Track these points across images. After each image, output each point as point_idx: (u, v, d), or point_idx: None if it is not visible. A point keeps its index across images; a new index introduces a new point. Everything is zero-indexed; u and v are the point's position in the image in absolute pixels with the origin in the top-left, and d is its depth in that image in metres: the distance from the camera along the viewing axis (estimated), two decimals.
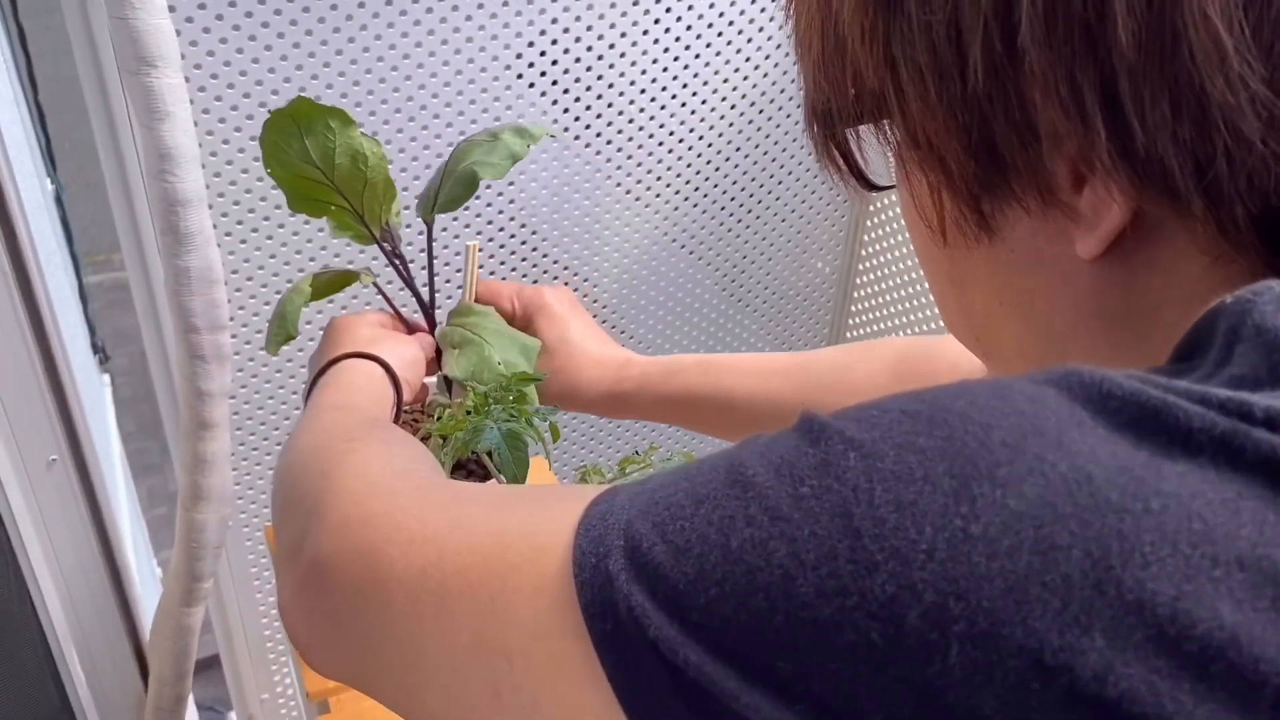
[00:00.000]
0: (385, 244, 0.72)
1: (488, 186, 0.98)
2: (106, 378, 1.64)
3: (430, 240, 0.75)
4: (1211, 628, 0.24)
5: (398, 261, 0.73)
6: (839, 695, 0.27)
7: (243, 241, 0.90)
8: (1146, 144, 0.33)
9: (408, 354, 0.73)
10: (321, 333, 0.76)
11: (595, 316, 1.13)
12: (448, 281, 1.02)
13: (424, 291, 0.76)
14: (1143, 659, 0.24)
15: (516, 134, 0.70)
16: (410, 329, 0.78)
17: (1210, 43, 0.31)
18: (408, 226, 0.87)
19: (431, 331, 0.77)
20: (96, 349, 1.61)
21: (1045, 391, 0.29)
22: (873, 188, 0.46)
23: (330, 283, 0.74)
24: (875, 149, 0.44)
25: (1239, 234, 0.33)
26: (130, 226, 0.84)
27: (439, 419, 0.66)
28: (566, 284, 1.09)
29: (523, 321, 0.84)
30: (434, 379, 0.77)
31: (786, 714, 0.27)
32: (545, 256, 1.06)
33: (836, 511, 0.28)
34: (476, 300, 0.80)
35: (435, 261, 0.80)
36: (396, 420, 0.69)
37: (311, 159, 0.66)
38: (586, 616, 0.32)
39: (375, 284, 0.75)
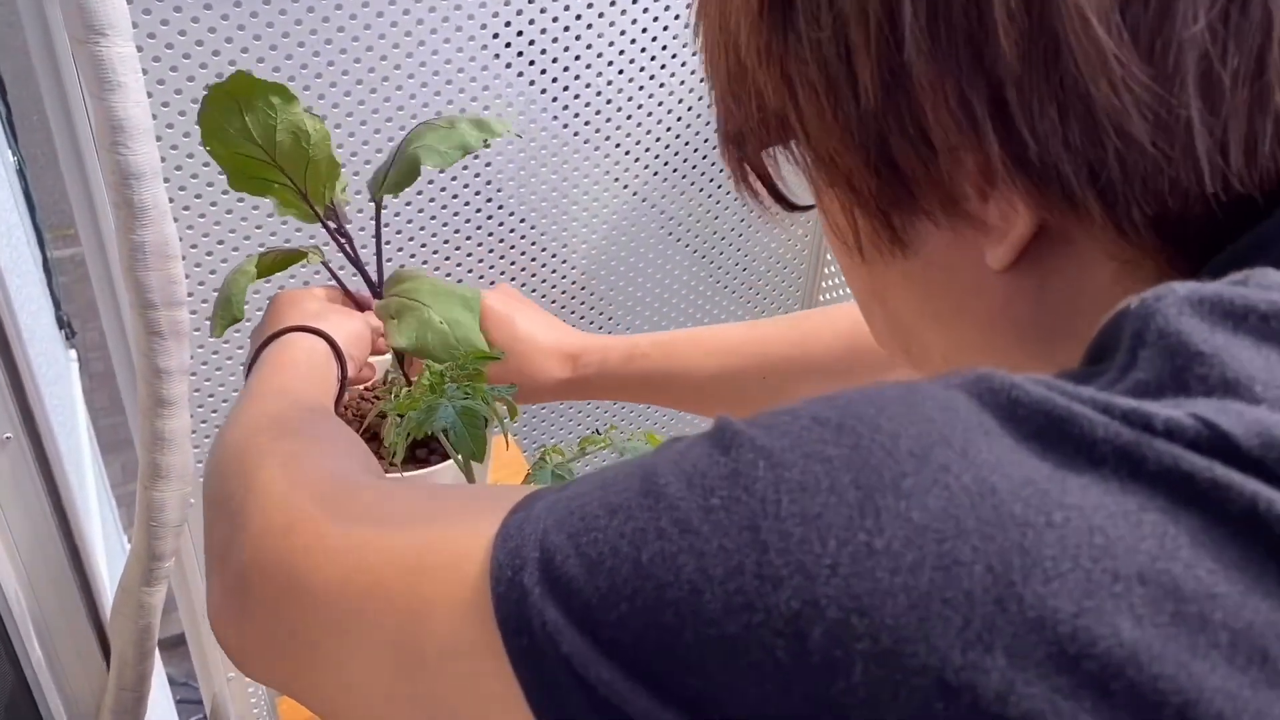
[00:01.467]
0: (329, 222, 0.70)
1: None
2: (73, 353, 1.61)
3: (379, 218, 0.74)
4: (1111, 645, 0.23)
5: (343, 240, 0.72)
6: (748, 713, 0.26)
7: (201, 216, 0.89)
8: (1039, 152, 0.33)
9: (352, 328, 0.71)
10: (263, 312, 0.75)
11: (564, 293, 1.12)
12: (412, 256, 1.00)
13: (371, 270, 0.75)
14: (1044, 677, 0.23)
15: (474, 126, 0.69)
16: (359, 305, 0.76)
17: (1091, 47, 0.31)
18: (371, 201, 0.86)
19: None
20: (62, 323, 1.59)
21: (956, 397, 0.29)
22: (793, 209, 0.45)
23: (276, 261, 0.72)
24: (790, 169, 0.43)
25: (1139, 237, 0.33)
26: (85, 201, 0.82)
27: (395, 397, 0.65)
28: (536, 259, 1.08)
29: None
30: (388, 357, 0.75)
31: None
32: (513, 232, 1.05)
33: (744, 524, 0.28)
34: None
35: (385, 239, 0.78)
36: (342, 395, 0.68)
37: (252, 136, 0.65)
38: (504, 631, 0.31)
39: (325, 264, 0.73)
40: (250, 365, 0.68)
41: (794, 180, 0.44)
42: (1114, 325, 0.31)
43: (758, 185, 0.44)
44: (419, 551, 0.37)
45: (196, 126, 0.84)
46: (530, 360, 0.80)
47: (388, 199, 0.80)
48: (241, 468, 0.50)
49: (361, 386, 0.76)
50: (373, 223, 0.74)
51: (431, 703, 0.35)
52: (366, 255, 0.75)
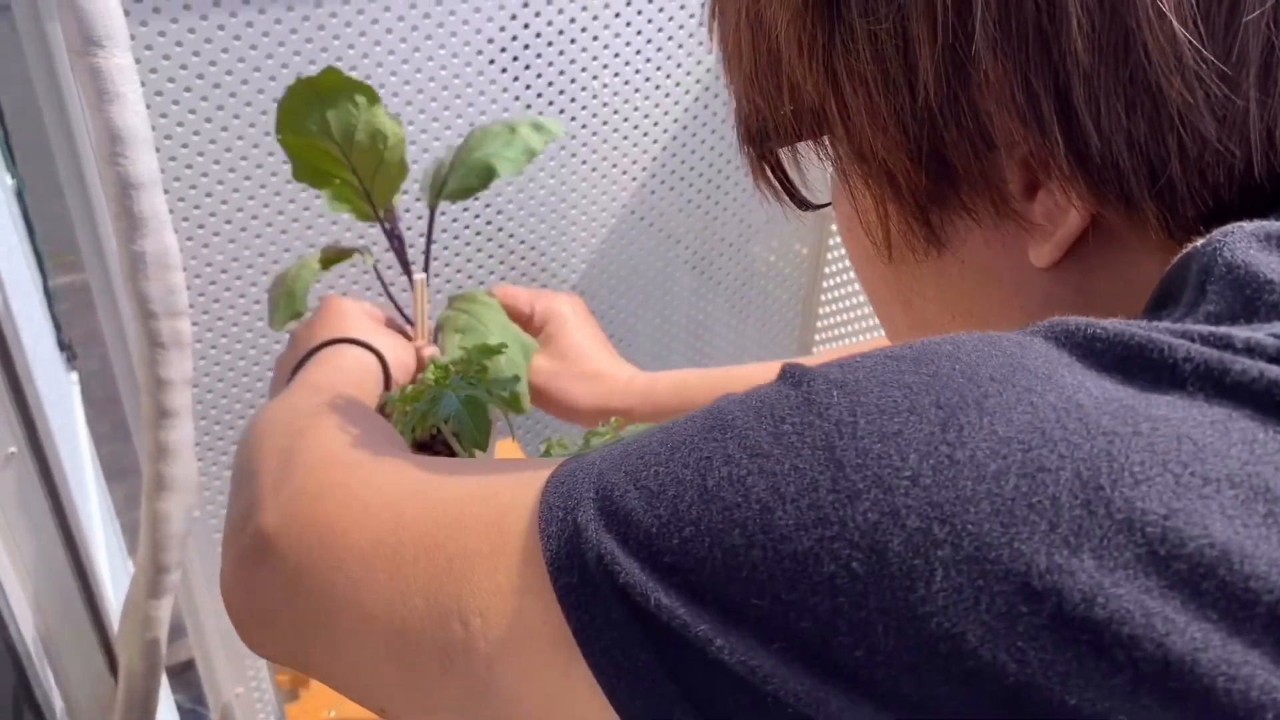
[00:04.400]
0: (386, 223, 0.71)
1: None
2: (75, 375, 1.61)
3: (431, 225, 0.74)
4: (1202, 545, 0.23)
5: (396, 242, 0.72)
6: (818, 630, 0.26)
7: (200, 226, 0.89)
8: (1101, 149, 0.33)
9: (402, 356, 0.72)
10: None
11: None
12: (447, 264, 1.01)
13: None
14: (1132, 579, 0.23)
15: (534, 129, 0.69)
16: (400, 330, 0.77)
17: (1166, 42, 0.31)
18: (428, 207, 0.86)
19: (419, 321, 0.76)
20: (63, 346, 1.59)
21: (1031, 340, 0.29)
22: (807, 207, 0.45)
23: (333, 257, 0.73)
24: (808, 166, 0.43)
25: (1186, 236, 0.33)
26: (86, 215, 0.83)
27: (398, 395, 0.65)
28: (535, 264, 1.08)
29: (538, 325, 0.83)
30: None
31: (763, 654, 0.27)
32: (512, 237, 1.05)
33: (819, 445, 0.28)
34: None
35: (433, 246, 0.78)
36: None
37: (330, 133, 0.65)
38: (551, 570, 0.31)
39: (375, 268, 0.73)
40: (299, 364, 0.68)
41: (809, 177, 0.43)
42: (1178, 270, 0.31)
43: (775, 183, 0.44)
44: (459, 505, 0.37)
45: (195, 137, 0.85)
46: (583, 376, 0.80)
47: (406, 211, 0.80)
48: (277, 441, 0.51)
49: None
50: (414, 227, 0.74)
51: (464, 656, 0.34)
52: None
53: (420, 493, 0.39)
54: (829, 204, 0.45)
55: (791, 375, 0.31)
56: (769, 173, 0.44)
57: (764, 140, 0.42)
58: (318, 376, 0.64)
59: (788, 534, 0.27)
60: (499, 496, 0.35)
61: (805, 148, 0.42)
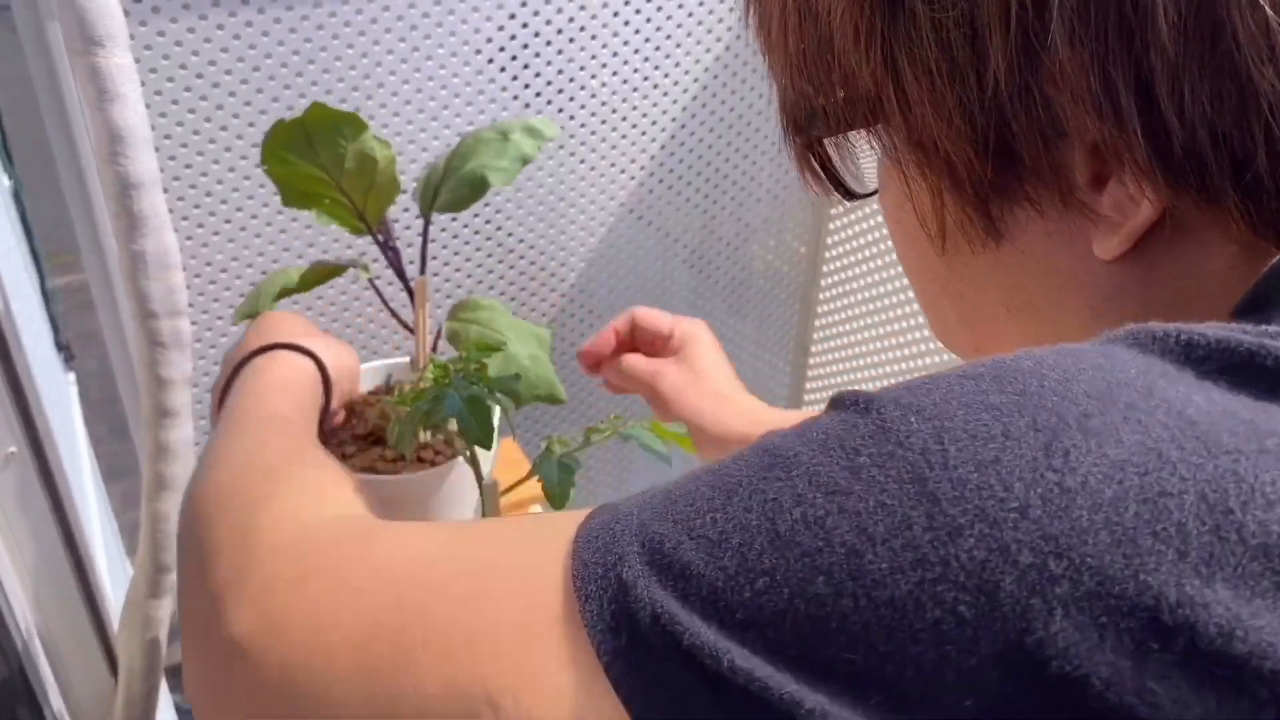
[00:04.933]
0: (379, 235, 0.70)
1: None
2: (72, 376, 1.61)
3: (426, 234, 0.73)
4: None
5: (391, 254, 0.71)
6: (922, 682, 0.24)
7: (200, 226, 0.89)
8: (1184, 141, 0.31)
9: (345, 360, 0.67)
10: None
11: (563, 296, 1.12)
12: (445, 264, 1.01)
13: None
14: (1273, 608, 0.22)
15: (527, 133, 0.67)
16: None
17: (1258, 31, 0.30)
18: (420, 218, 0.86)
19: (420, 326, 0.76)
20: (61, 347, 1.59)
21: (1113, 349, 0.27)
22: (853, 197, 0.43)
23: (323, 273, 0.72)
24: (851, 154, 0.41)
25: (1270, 230, 0.32)
26: (85, 215, 0.83)
27: (398, 395, 0.65)
28: (534, 264, 1.08)
29: (676, 344, 0.82)
30: (377, 363, 0.75)
31: (860, 710, 0.24)
32: (510, 236, 1.05)
33: (906, 477, 0.25)
34: (635, 320, 0.79)
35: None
36: (323, 426, 0.63)
37: (319, 163, 0.64)
38: (594, 634, 0.28)
39: (371, 281, 0.73)
40: (225, 387, 0.62)
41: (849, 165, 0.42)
42: (1276, 273, 0.30)
43: (820, 172, 0.42)
44: (472, 575, 0.33)
45: (194, 137, 0.85)
46: (713, 400, 0.76)
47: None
48: (233, 518, 0.43)
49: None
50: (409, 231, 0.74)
51: None
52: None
53: (420, 564, 0.35)
54: (875, 193, 0.43)
55: (855, 402, 0.28)
56: (815, 163, 0.42)
57: (811, 129, 0.40)
58: (253, 408, 0.57)
59: (881, 578, 0.24)
60: (520, 559, 0.32)
61: (856, 136, 0.40)
